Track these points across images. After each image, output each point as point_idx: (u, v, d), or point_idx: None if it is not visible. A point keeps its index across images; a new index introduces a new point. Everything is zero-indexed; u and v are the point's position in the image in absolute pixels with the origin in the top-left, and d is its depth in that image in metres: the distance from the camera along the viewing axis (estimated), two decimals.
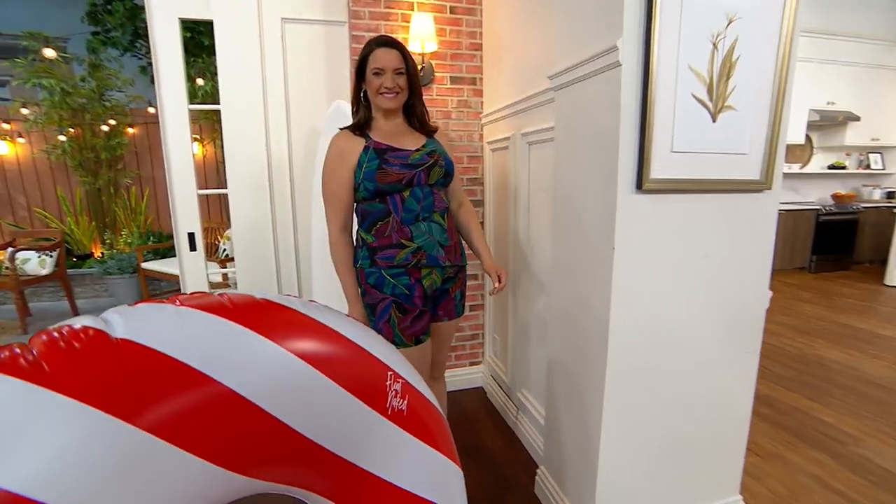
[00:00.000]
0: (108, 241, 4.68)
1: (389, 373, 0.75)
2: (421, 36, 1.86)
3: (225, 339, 0.58)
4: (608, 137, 1.02)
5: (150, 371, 0.50)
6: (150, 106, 4.88)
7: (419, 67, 1.81)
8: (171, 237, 4.93)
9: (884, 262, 4.64)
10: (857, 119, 5.13)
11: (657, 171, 1.01)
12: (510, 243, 1.93)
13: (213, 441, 0.53)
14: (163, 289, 4.54)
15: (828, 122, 5.19)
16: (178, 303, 0.58)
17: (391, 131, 1.26)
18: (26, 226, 4.78)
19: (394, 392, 0.75)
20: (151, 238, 4.77)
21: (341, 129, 1.29)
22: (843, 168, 5.51)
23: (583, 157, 1.15)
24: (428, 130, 1.31)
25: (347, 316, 0.77)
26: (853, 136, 5.23)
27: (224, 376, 0.55)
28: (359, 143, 1.22)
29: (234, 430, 0.55)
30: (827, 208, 5.05)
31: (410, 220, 1.21)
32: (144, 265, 4.14)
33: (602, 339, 1.10)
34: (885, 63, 5.12)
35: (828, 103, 5.07)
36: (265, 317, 0.64)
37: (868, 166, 5.62)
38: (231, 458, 0.55)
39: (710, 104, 1.02)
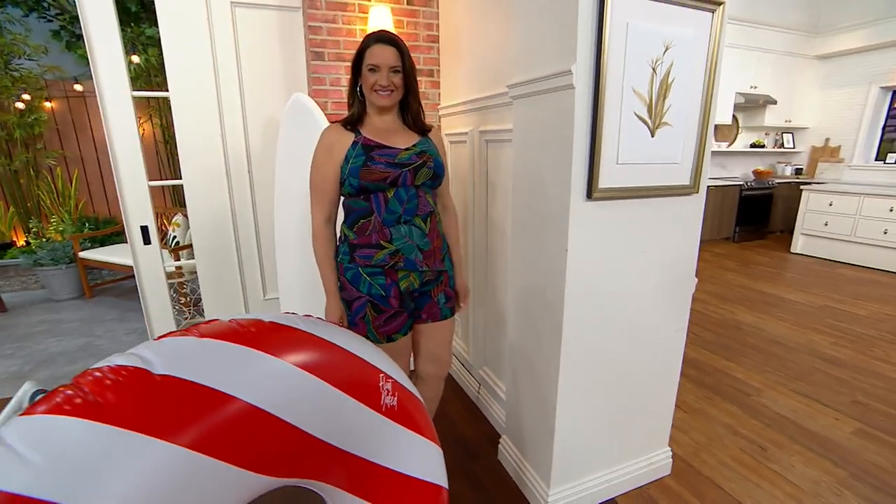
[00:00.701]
0: (34, 229, 4.31)
1: (381, 374, 0.86)
2: (379, 29, 1.86)
3: (243, 361, 0.65)
4: (562, 151, 1.15)
5: (187, 399, 0.57)
6: (77, 83, 4.42)
7: None
8: (108, 223, 4.62)
9: (792, 231, 5.27)
10: (775, 102, 5.65)
11: (604, 181, 1.15)
12: (468, 233, 2.05)
13: (245, 450, 0.62)
14: (105, 278, 4.29)
15: (751, 104, 5.67)
16: (198, 334, 0.64)
17: (383, 128, 1.26)
18: None
19: (386, 391, 0.86)
20: (87, 225, 4.44)
21: (334, 122, 1.28)
22: (763, 147, 6.08)
23: (539, 165, 1.28)
24: (422, 129, 1.31)
25: (329, 320, 0.86)
26: (771, 117, 5.77)
27: (246, 394, 0.64)
28: (348, 138, 1.22)
29: (261, 439, 0.64)
30: (749, 183, 5.59)
31: (392, 222, 1.22)
32: (83, 254, 3.88)
33: (556, 328, 1.27)
34: (799, 51, 5.63)
35: (751, 87, 5.53)
36: (272, 337, 0.72)
37: (782, 145, 6.23)
38: (261, 463, 0.64)
39: (649, 121, 1.17)
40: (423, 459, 0.95)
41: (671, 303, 1.41)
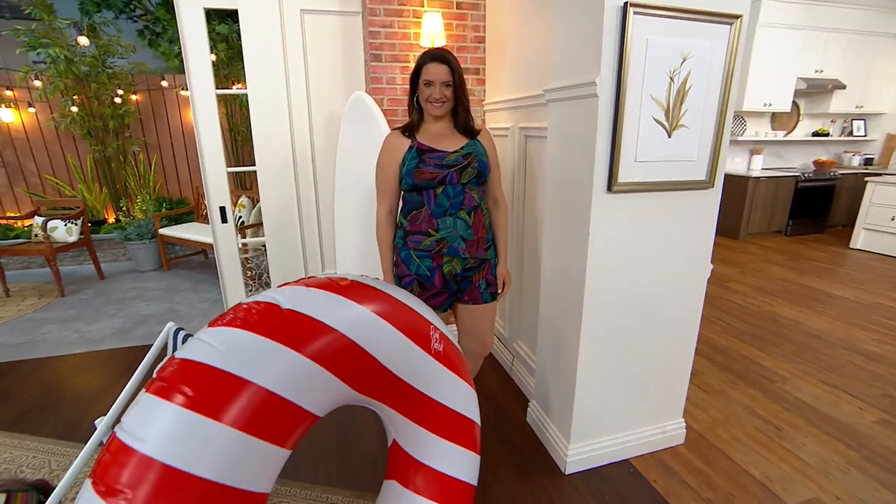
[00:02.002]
0: (123, 208, 4.94)
1: (431, 326, 1.13)
2: (431, 34, 2.11)
3: (337, 305, 0.94)
4: (587, 150, 1.35)
5: (304, 325, 0.86)
6: (163, 79, 4.96)
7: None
8: (181, 203, 5.20)
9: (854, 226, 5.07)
10: (844, 87, 5.37)
11: (623, 176, 1.35)
12: (512, 221, 2.27)
13: (340, 367, 0.90)
14: (178, 253, 4.87)
15: (816, 90, 5.43)
16: (304, 285, 0.93)
17: (436, 133, 1.48)
18: (39, 192, 5.01)
19: (435, 339, 1.13)
20: (164, 205, 5.03)
21: (395, 129, 1.53)
22: (827, 135, 5.81)
23: (568, 161, 1.49)
24: (471, 133, 1.50)
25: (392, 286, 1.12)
26: (838, 103, 5.50)
27: (341, 328, 0.92)
28: (405, 143, 1.46)
29: (350, 361, 0.92)
30: (806, 174, 5.40)
31: (439, 214, 1.44)
32: (162, 231, 4.44)
33: (578, 302, 1.49)
34: (877, 30, 5.29)
35: (816, 71, 5.29)
36: (356, 290, 1.00)
37: (851, 133, 5.92)
38: (350, 378, 0.93)
39: (666, 124, 1.35)
40: (461, 397, 1.21)
41: (686, 286, 1.59)
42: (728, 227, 5.38)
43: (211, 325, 0.84)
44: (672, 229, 1.49)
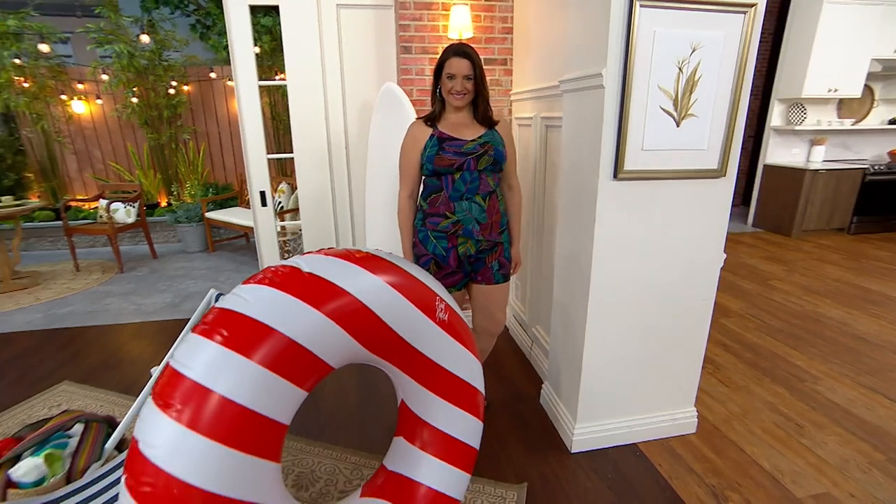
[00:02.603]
0: (174, 192, 5.42)
1: (437, 297, 1.28)
2: (459, 27, 2.24)
3: (353, 273, 1.11)
4: (594, 138, 1.45)
5: (323, 288, 1.04)
6: (211, 71, 5.37)
7: None
8: (225, 189, 5.62)
9: None
10: None
11: (630, 164, 1.44)
12: (533, 207, 2.39)
13: (354, 327, 1.07)
14: (222, 236, 5.28)
15: (894, 73, 5.09)
16: (324, 253, 1.11)
17: (456, 123, 1.61)
18: (103, 177, 5.58)
19: (440, 309, 1.28)
20: (211, 190, 5.47)
21: (418, 118, 1.69)
22: None
23: (579, 149, 1.59)
24: (489, 123, 1.63)
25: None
26: None
27: (356, 293, 1.09)
28: (427, 132, 1.61)
29: (363, 324, 1.09)
30: (876, 167, 5.08)
31: (456, 198, 1.59)
32: (208, 215, 4.85)
33: (585, 285, 1.60)
34: None
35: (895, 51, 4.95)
36: (372, 261, 1.17)
37: None
38: (363, 338, 1.10)
39: (675, 114, 1.42)
40: (464, 365, 1.36)
41: (697, 274, 1.65)
42: (779, 223, 5.18)
43: (244, 283, 1.03)
44: (681, 217, 1.56)
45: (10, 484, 1.26)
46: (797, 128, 5.11)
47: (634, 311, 1.66)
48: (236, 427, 0.90)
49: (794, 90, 4.97)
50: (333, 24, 2.63)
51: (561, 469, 1.73)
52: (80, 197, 5.41)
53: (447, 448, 1.36)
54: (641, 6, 1.30)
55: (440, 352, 1.30)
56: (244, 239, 5.35)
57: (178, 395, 0.88)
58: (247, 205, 5.07)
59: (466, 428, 1.38)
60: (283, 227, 4.28)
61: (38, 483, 1.29)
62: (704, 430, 1.93)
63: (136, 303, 3.54)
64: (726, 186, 1.56)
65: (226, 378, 0.90)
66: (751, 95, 5.85)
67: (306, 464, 1.78)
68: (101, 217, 4.49)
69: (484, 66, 2.44)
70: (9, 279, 3.79)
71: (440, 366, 1.31)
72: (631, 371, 1.74)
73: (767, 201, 5.35)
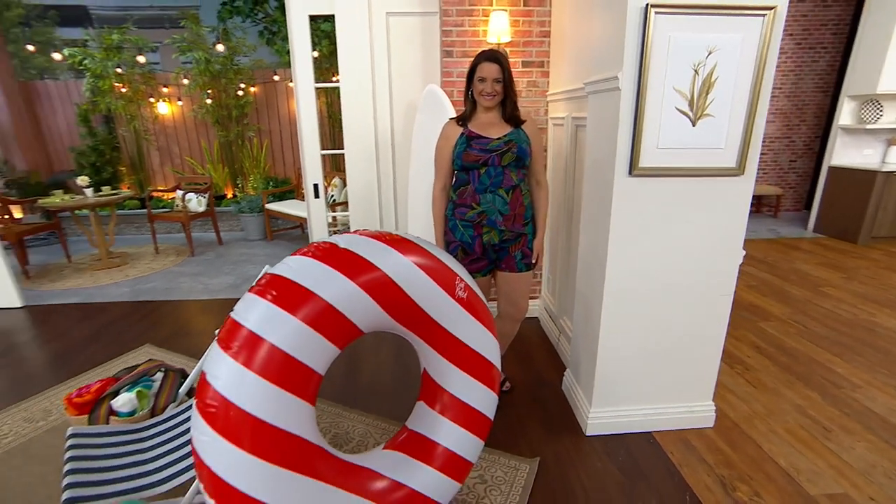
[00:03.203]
0: (239, 185, 5.93)
1: (457, 277, 1.44)
2: (497, 31, 2.38)
3: (384, 251, 1.29)
4: (611, 137, 1.55)
5: (356, 262, 1.23)
6: (275, 74, 5.84)
7: None
8: (284, 182, 6.06)
9: None
10: None
11: (645, 161, 1.52)
12: (563, 203, 2.48)
13: (383, 298, 1.26)
14: (279, 226, 5.72)
15: None
16: (359, 233, 1.30)
17: (485, 122, 1.77)
18: (180, 170, 6.21)
19: (460, 287, 1.44)
20: (271, 183, 5.93)
21: (451, 118, 1.87)
22: None
23: (599, 147, 1.69)
24: (516, 122, 1.76)
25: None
26: None
27: (385, 269, 1.27)
28: (458, 131, 1.78)
29: (390, 296, 1.27)
30: None
31: (481, 190, 1.75)
32: (268, 206, 5.28)
33: (601, 276, 1.69)
34: None
35: None
36: (400, 243, 1.35)
37: None
38: (389, 308, 1.28)
39: (690, 114, 1.49)
40: (480, 339, 1.51)
41: (714, 269, 1.70)
42: (843, 228, 4.86)
43: (292, 255, 1.25)
44: (698, 213, 1.62)
45: (112, 412, 1.57)
46: (871, 126, 4.77)
47: (650, 303, 1.73)
48: (281, 370, 1.11)
49: (869, 86, 4.65)
50: (383, 31, 2.84)
51: (574, 449, 1.84)
52: (161, 188, 6.05)
53: (463, 414, 1.52)
54: (657, 13, 1.39)
55: (458, 326, 1.46)
56: (300, 229, 5.76)
57: (236, 340, 1.10)
58: (303, 197, 5.46)
59: (481, 398, 1.53)
60: (333, 219, 4.60)
61: (131, 414, 1.59)
62: (723, 425, 1.95)
63: (204, 283, 3.97)
64: (745, 184, 1.60)
65: (274, 330, 1.11)
66: (820, 92, 5.57)
67: (342, 426, 2.01)
68: (177, 206, 5.03)
69: (522, 69, 2.58)
70: (105, 258, 4.38)
71: (458, 338, 1.47)
72: (646, 360, 1.81)
73: (832, 205, 5.03)
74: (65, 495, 1.25)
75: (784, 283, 3.62)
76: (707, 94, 1.48)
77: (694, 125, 1.51)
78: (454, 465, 1.50)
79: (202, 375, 1.11)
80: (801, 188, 6.33)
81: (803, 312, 3.08)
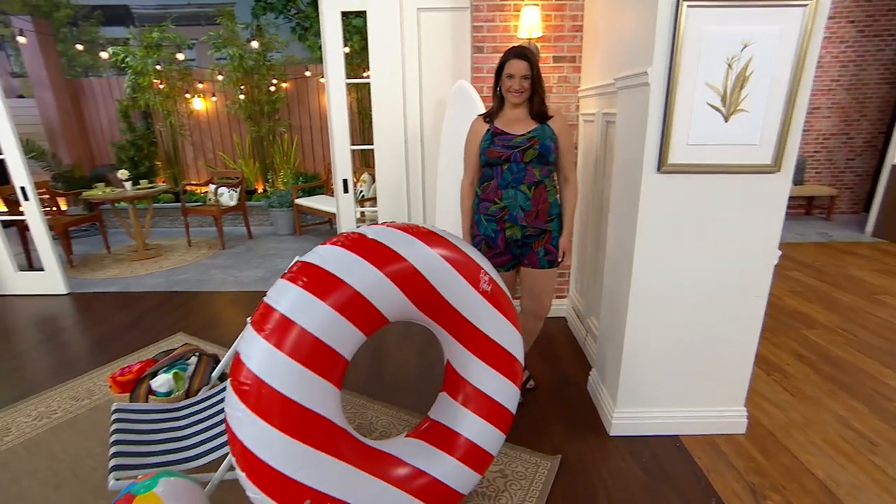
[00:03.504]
0: (269, 180, 6.18)
1: (482, 270, 1.51)
2: (529, 26, 2.43)
3: (410, 243, 1.38)
4: (640, 133, 1.58)
5: (383, 252, 1.32)
6: (307, 70, 6.07)
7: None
8: (314, 178, 6.27)
9: None
10: None
11: (674, 157, 1.55)
12: (593, 201, 2.51)
13: (408, 287, 1.34)
14: (308, 222, 5.92)
15: None
16: (387, 225, 1.39)
17: (511, 118, 1.83)
18: (213, 165, 6.52)
19: (484, 280, 1.51)
20: (301, 178, 6.15)
21: (479, 114, 1.94)
22: None
23: (627, 143, 1.72)
24: (542, 119, 1.81)
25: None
26: None
27: (411, 259, 1.35)
28: (484, 127, 1.86)
29: (415, 286, 1.36)
30: None
31: (504, 186, 1.82)
32: (298, 201, 5.49)
33: (628, 273, 1.72)
34: None
35: None
36: (427, 235, 1.43)
37: None
38: (414, 298, 1.36)
39: (723, 109, 1.51)
40: (503, 333, 1.57)
41: (747, 270, 1.70)
42: None
43: (322, 244, 1.35)
44: (730, 211, 1.63)
45: (151, 392, 1.72)
46: None
47: (678, 303, 1.75)
48: (310, 352, 1.21)
49: None
50: (414, 26, 2.94)
51: (597, 448, 1.87)
52: (195, 182, 6.37)
53: (485, 406, 1.58)
54: (689, 6, 1.41)
55: (482, 318, 1.53)
56: (328, 225, 5.95)
57: (269, 323, 1.21)
58: (332, 193, 5.63)
59: (503, 390, 1.59)
60: (362, 214, 4.73)
61: (168, 394, 1.73)
62: (756, 433, 1.94)
63: (234, 275, 4.18)
64: (782, 182, 1.60)
65: (304, 314, 1.21)
66: (885, 84, 5.36)
67: (366, 417, 2.11)
68: (209, 200, 5.30)
69: (553, 64, 2.62)
70: (142, 249, 4.67)
71: (481, 331, 1.54)
72: (673, 361, 1.83)
73: (894, 208, 4.81)
74: (111, 462, 1.39)
75: (833, 290, 3.50)
76: (741, 88, 1.49)
77: (726, 121, 1.52)
78: (475, 457, 1.57)
79: (236, 355, 1.22)
80: (859, 189, 6.06)
81: (853, 321, 2.99)
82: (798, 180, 5.98)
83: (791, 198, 6.25)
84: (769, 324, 2.95)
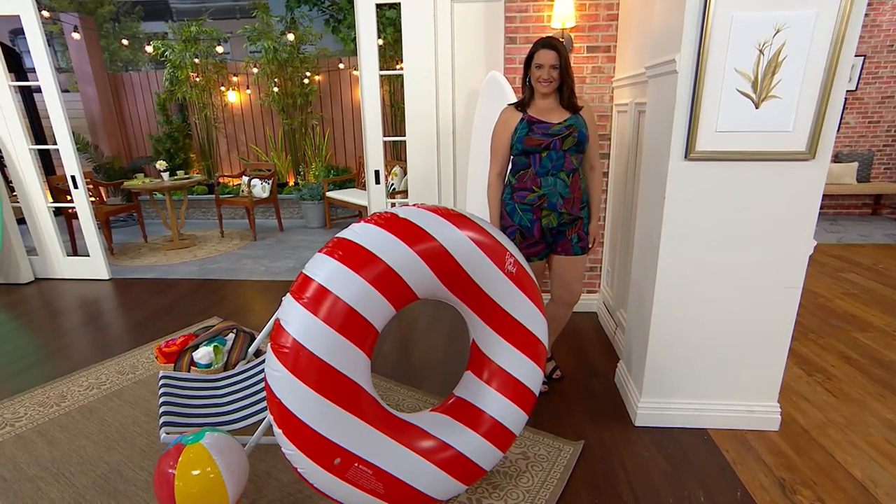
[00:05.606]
0: (301, 173, 6.47)
1: (507, 252, 1.64)
2: (562, 16, 2.54)
3: (440, 224, 1.52)
4: (668, 121, 1.67)
5: (414, 231, 1.47)
6: (340, 62, 6.35)
7: (559, 38, 2.50)
8: (344, 171, 6.52)
9: None
10: None
11: (702, 145, 1.63)
12: (626, 191, 2.59)
13: (436, 265, 1.49)
14: (338, 215, 6.18)
15: None
16: (418, 206, 1.54)
17: (544, 108, 1.95)
18: (246, 158, 6.88)
19: (509, 262, 1.64)
20: (332, 171, 6.41)
21: (509, 104, 2.06)
22: None
23: (655, 131, 1.81)
24: (573, 109, 1.93)
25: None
26: None
27: (440, 239, 1.50)
28: (517, 116, 1.96)
29: (443, 264, 1.50)
30: None
31: (543, 174, 1.93)
32: (328, 194, 5.74)
33: (654, 262, 1.81)
34: None
35: None
36: (457, 218, 1.57)
37: None
38: (442, 275, 1.51)
39: (753, 96, 1.58)
40: (527, 314, 1.69)
41: (780, 260, 1.76)
42: None
43: (357, 222, 1.51)
44: (761, 200, 1.70)
45: (192, 363, 1.93)
46: None
47: (706, 293, 1.82)
48: (344, 320, 1.37)
49: None
50: (447, 18, 3.09)
51: (621, 437, 1.96)
52: (228, 174, 6.75)
53: (508, 385, 1.71)
54: None
55: (507, 299, 1.66)
56: (358, 218, 6.18)
57: (307, 292, 1.38)
58: (362, 186, 5.87)
59: (526, 370, 1.72)
60: (392, 206, 4.92)
61: (208, 366, 1.94)
62: (790, 430, 1.98)
63: (265, 265, 4.44)
64: (817, 169, 1.65)
65: (340, 285, 1.37)
66: None
67: (393, 399, 2.27)
68: (242, 192, 5.62)
69: (587, 54, 2.72)
70: (177, 239, 5.02)
71: (505, 310, 1.67)
72: (701, 352, 1.90)
73: None
74: (162, 420, 1.60)
75: (892, 292, 3.43)
76: (773, 74, 1.56)
77: (757, 107, 1.59)
78: (498, 434, 1.70)
79: (276, 322, 1.40)
80: None
81: None
82: (864, 177, 5.80)
83: (855, 196, 6.09)
84: (815, 325, 2.94)
